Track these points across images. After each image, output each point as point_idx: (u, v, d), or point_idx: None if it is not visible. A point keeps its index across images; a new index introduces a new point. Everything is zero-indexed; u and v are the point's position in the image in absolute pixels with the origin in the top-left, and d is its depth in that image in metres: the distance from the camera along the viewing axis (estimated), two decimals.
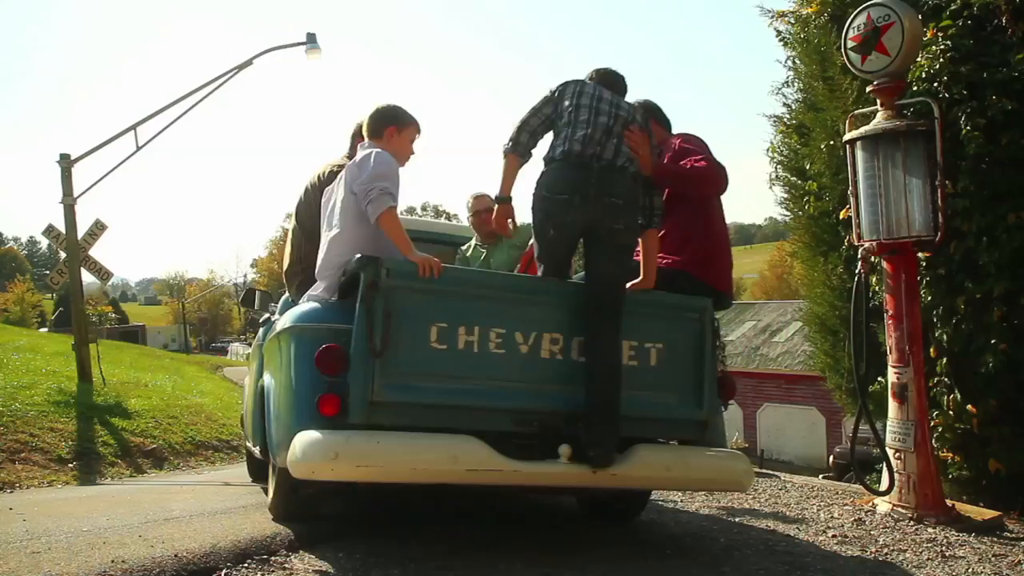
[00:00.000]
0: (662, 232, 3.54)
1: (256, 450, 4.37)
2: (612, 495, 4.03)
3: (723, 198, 3.83)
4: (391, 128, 3.44)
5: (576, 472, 3.02)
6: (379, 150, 3.32)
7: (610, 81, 3.49)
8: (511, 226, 3.46)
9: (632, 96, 3.64)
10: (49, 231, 9.79)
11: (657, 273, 3.43)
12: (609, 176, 3.19)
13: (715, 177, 3.60)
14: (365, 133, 3.49)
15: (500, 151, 3.36)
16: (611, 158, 3.20)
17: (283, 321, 3.41)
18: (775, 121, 7.11)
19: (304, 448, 2.82)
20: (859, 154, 4.81)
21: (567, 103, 3.29)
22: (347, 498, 4.35)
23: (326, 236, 3.41)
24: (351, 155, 3.67)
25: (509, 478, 2.96)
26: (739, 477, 3.45)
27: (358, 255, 3.03)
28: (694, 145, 3.68)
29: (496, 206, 3.41)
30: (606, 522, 4.24)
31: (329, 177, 3.71)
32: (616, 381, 3.15)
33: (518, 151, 3.32)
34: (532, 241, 3.59)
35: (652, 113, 3.83)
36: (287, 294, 4.24)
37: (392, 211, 3.14)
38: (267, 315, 4.89)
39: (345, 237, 3.28)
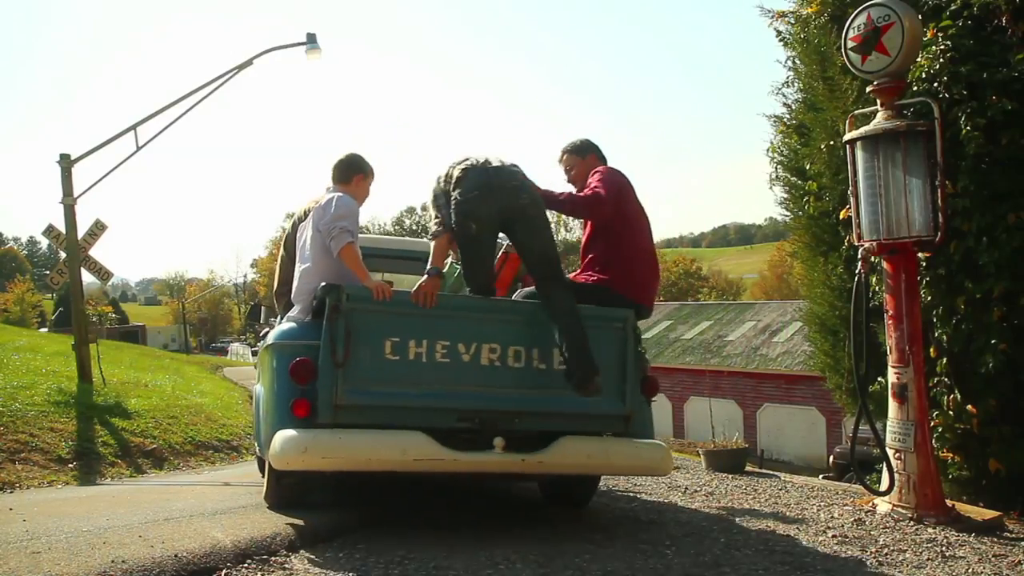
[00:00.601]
0: (592, 255, 4.20)
1: (258, 448, 4.70)
2: (565, 483, 4.54)
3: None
4: (359, 176, 4.08)
5: (508, 460, 3.56)
6: (340, 194, 3.90)
7: None
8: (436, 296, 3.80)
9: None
10: (49, 231, 9.78)
11: (586, 288, 4.04)
12: (501, 171, 3.86)
13: (585, 206, 4.18)
14: (333, 179, 4.05)
15: (431, 234, 3.93)
16: (500, 163, 3.90)
17: (268, 338, 3.96)
18: (775, 121, 7.11)
19: (281, 444, 3.39)
20: (859, 154, 4.81)
21: (447, 171, 3.99)
22: (341, 493, 4.40)
23: (299, 267, 3.96)
24: None
25: (450, 466, 3.47)
26: (657, 463, 3.96)
27: (323, 283, 3.58)
28: (597, 179, 4.20)
29: (427, 277, 3.71)
30: (561, 507, 4.65)
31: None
32: (578, 322, 3.70)
33: (448, 230, 3.86)
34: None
35: (593, 149, 4.47)
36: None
37: (351, 246, 3.69)
38: (267, 329, 5.19)
39: (313, 268, 3.83)
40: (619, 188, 4.16)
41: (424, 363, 3.57)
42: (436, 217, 3.89)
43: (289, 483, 3.96)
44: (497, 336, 3.68)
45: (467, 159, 3.91)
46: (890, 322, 4.71)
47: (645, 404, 4.06)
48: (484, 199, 3.74)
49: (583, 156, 4.42)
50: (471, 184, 3.78)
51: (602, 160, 4.43)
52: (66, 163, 9.35)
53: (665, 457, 3.95)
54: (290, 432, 3.40)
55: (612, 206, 4.09)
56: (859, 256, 4.75)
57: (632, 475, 4.67)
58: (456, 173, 3.86)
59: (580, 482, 4.40)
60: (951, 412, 4.86)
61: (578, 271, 4.30)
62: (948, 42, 4.75)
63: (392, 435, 3.44)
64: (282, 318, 4.22)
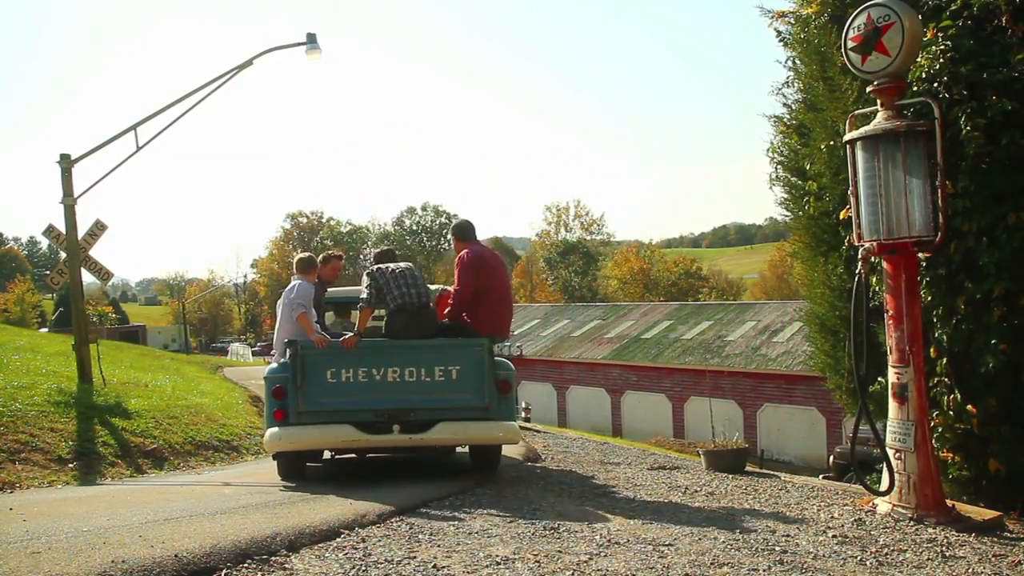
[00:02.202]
0: (464, 313, 6.02)
1: None
2: (480, 455, 6.29)
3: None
4: (313, 269, 6.38)
5: (402, 438, 5.57)
6: (300, 282, 6.13)
7: (389, 257, 6.32)
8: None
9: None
10: (49, 231, 9.78)
11: (458, 328, 5.95)
12: (424, 310, 6.07)
13: (459, 305, 5.99)
14: (296, 268, 6.30)
15: (361, 305, 5.98)
16: (418, 294, 5.97)
17: (264, 372, 6.02)
18: (775, 121, 7.11)
19: (268, 436, 5.65)
20: (859, 154, 4.81)
21: (380, 279, 5.91)
22: (337, 476, 4.48)
23: (276, 328, 6.20)
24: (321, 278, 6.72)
25: (365, 443, 5.66)
26: (505, 437, 5.87)
27: (287, 339, 5.73)
28: (458, 272, 6.03)
29: (351, 335, 5.75)
30: (482, 468, 6.25)
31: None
32: None
33: (371, 305, 5.91)
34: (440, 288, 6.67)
35: (457, 231, 6.36)
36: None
37: (303, 315, 5.87)
38: None
39: (282, 328, 6.02)
40: (473, 272, 5.96)
41: (352, 383, 5.62)
42: (364, 295, 5.89)
43: (283, 460, 5.92)
44: (396, 362, 5.66)
45: (400, 290, 5.85)
46: (890, 322, 4.71)
47: (502, 398, 5.79)
48: (418, 322, 5.90)
49: (455, 236, 6.36)
50: (404, 319, 5.85)
51: (464, 239, 6.21)
52: (66, 163, 9.35)
53: (511, 432, 5.85)
54: (273, 429, 5.60)
55: (471, 292, 5.93)
56: (859, 256, 4.75)
57: (490, 444, 6.16)
58: (397, 299, 5.84)
59: (489, 451, 6.25)
60: (951, 412, 4.86)
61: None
62: (948, 42, 4.75)
63: (330, 427, 5.56)
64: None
